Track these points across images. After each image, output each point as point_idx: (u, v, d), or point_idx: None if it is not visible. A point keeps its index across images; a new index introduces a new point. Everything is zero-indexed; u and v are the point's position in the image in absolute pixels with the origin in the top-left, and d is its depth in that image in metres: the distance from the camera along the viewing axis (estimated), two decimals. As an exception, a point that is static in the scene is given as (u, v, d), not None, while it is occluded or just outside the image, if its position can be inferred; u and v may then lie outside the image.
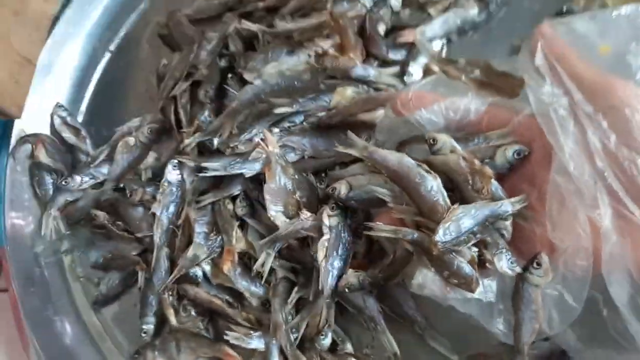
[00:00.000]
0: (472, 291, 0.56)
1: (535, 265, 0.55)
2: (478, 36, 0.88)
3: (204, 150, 0.87)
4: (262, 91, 0.82)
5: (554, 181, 0.51)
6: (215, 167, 0.80)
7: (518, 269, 0.56)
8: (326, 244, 0.71)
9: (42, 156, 0.91)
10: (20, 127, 0.90)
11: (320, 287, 0.71)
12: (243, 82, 0.87)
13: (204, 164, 0.81)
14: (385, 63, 0.87)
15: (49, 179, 0.91)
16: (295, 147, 0.81)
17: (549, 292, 0.56)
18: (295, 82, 0.82)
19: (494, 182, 0.57)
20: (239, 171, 0.80)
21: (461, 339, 0.73)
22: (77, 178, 0.89)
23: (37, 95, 0.91)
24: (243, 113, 0.83)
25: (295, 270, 0.79)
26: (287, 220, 0.75)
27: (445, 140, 0.60)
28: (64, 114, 0.94)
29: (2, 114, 0.85)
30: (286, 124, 0.83)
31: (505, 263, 0.56)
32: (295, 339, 0.75)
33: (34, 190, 0.91)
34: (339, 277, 0.71)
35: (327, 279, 0.70)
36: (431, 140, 0.60)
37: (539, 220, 0.55)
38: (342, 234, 0.71)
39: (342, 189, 0.69)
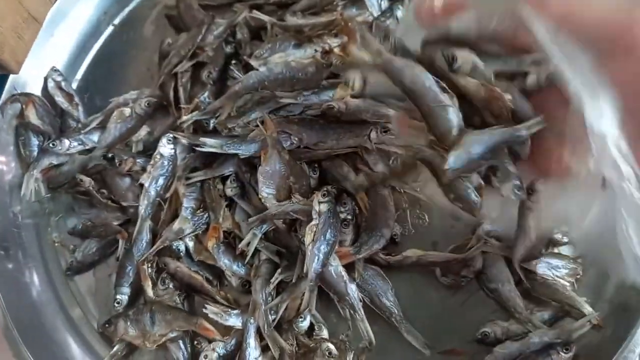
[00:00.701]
0: (474, 216, 0.56)
1: (530, 191, 0.56)
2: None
3: (199, 130, 0.87)
4: (266, 78, 0.84)
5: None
6: (212, 143, 0.81)
7: (523, 196, 0.54)
8: (314, 229, 0.73)
9: (32, 116, 0.90)
10: (13, 84, 0.89)
11: (304, 271, 0.72)
12: (246, 70, 0.89)
13: (202, 139, 0.81)
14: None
15: (35, 141, 0.90)
16: (293, 135, 0.83)
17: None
18: (300, 74, 0.84)
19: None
20: (235, 151, 0.81)
21: (435, 334, 0.75)
22: (66, 142, 0.88)
23: (37, 54, 0.90)
24: (244, 97, 0.85)
25: (279, 253, 0.79)
26: (277, 203, 0.76)
27: (466, 58, 0.52)
28: (59, 78, 0.93)
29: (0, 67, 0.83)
30: (284, 113, 0.86)
31: (509, 190, 0.54)
32: (273, 320, 0.75)
33: (18, 150, 0.90)
34: (324, 262, 0.72)
35: (313, 263, 0.71)
36: (450, 58, 0.52)
37: (562, 140, 0.49)
38: (331, 220, 0.73)
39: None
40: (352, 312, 0.75)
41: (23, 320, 0.79)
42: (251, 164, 0.82)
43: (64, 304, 0.83)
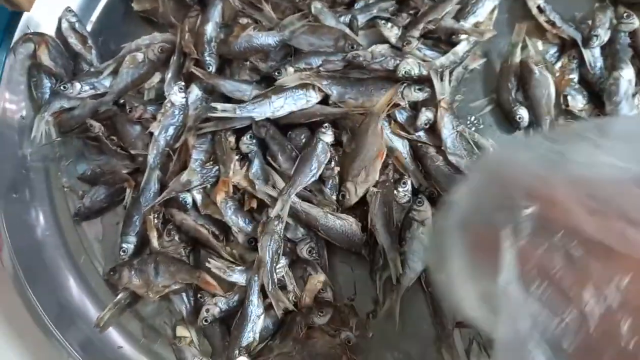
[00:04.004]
0: None
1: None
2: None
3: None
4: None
5: None
6: (226, 107, 0.78)
7: None
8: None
9: (44, 57, 0.88)
10: (26, 23, 0.87)
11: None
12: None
13: (214, 104, 0.78)
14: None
15: (47, 82, 0.88)
16: (322, 89, 0.79)
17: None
18: None
19: None
20: (249, 114, 0.78)
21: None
22: (77, 85, 0.86)
23: (50, -8, 0.87)
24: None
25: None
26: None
27: None
28: (73, 19, 0.91)
29: (11, 4, 0.80)
30: (302, 65, 0.81)
31: None
32: (278, 280, 0.73)
33: (30, 91, 0.88)
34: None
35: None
36: None
37: None
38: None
39: None
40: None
41: (29, 262, 0.79)
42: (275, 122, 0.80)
43: (71, 249, 0.83)
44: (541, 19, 0.80)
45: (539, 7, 0.81)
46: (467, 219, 0.42)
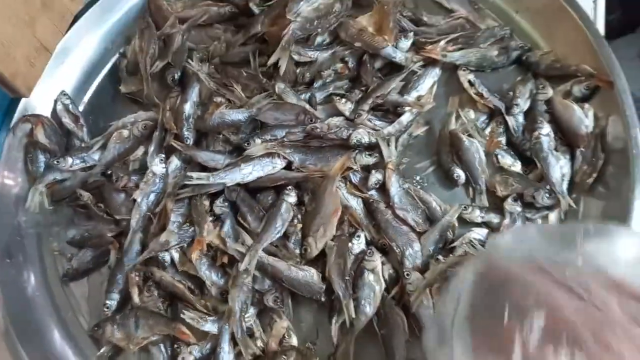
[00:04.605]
0: None
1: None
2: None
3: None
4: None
5: None
6: (201, 175, 0.89)
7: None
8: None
9: (40, 136, 0.98)
10: (25, 106, 0.98)
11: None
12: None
13: (189, 173, 0.89)
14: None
15: (42, 158, 0.98)
16: (285, 157, 0.90)
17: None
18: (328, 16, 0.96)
19: None
20: (221, 181, 0.89)
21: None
22: (69, 159, 0.96)
23: (47, 79, 0.99)
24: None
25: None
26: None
27: None
28: (67, 101, 1.02)
29: (12, 91, 0.92)
30: (268, 137, 0.93)
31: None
32: (247, 328, 0.81)
33: (26, 166, 0.98)
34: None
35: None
36: None
37: None
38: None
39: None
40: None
41: (20, 320, 0.86)
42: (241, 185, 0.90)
43: (59, 306, 0.90)
44: (471, 91, 0.94)
45: (469, 81, 0.94)
46: (476, 314, 0.47)
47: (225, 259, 0.86)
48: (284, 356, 0.78)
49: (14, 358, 0.83)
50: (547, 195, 0.83)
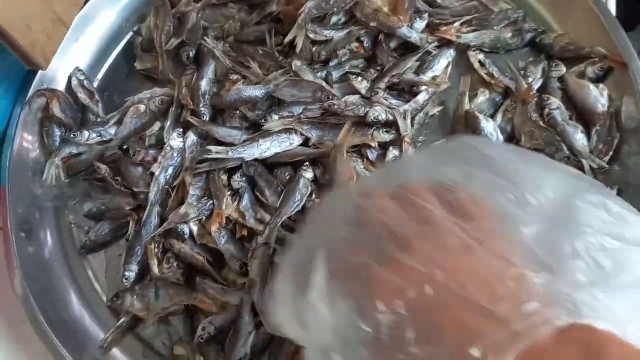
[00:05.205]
0: None
1: None
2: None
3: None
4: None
5: None
6: (219, 150, 0.90)
7: None
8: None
9: (56, 110, 0.99)
10: (41, 80, 0.98)
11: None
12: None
13: (209, 147, 0.90)
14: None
15: (58, 132, 0.99)
16: (303, 134, 0.92)
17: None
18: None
19: None
20: (239, 156, 0.90)
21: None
22: (86, 133, 0.97)
23: (63, 55, 0.99)
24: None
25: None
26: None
27: None
28: (82, 77, 1.03)
29: (30, 63, 0.92)
30: (286, 113, 0.94)
31: None
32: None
33: (42, 140, 0.98)
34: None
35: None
36: None
37: None
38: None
39: None
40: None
41: (40, 293, 0.86)
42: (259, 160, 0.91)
43: (77, 279, 0.91)
44: (482, 72, 0.96)
45: (480, 62, 0.96)
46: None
47: (245, 232, 0.87)
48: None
49: (32, 323, 0.83)
50: (566, 160, 0.85)
